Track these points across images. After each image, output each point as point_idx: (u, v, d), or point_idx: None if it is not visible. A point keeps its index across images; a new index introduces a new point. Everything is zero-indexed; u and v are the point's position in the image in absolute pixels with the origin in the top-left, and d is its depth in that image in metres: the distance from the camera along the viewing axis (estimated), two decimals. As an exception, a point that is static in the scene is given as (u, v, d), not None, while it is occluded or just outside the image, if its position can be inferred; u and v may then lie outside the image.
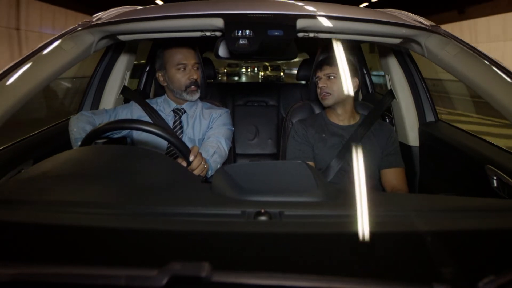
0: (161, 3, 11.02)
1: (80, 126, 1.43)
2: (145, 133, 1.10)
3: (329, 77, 1.57)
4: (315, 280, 0.44)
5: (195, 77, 1.55)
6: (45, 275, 0.43)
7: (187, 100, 1.60)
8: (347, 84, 1.58)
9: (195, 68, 1.57)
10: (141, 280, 0.42)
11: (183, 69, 1.55)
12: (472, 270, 0.50)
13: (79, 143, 1.33)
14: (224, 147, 1.48)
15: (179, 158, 1.20)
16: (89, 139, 1.11)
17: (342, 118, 1.63)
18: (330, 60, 1.60)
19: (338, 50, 1.72)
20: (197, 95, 1.58)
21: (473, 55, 1.09)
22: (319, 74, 1.60)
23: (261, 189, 0.71)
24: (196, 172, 1.16)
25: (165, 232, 0.60)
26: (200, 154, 1.19)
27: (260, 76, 19.96)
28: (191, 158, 1.13)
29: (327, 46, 1.81)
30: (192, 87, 1.55)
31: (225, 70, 21.29)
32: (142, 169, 0.83)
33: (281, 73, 18.40)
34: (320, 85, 1.58)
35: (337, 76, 1.57)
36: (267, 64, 18.87)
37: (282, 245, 0.56)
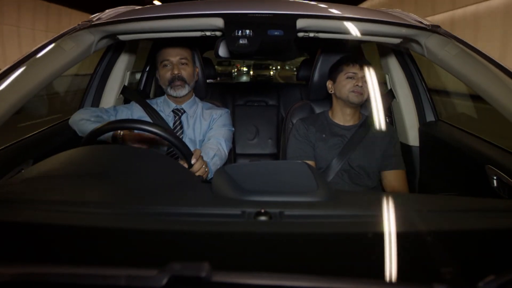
0: (158, 3, 11.02)
1: (88, 112, 1.48)
2: (145, 134, 1.10)
3: (363, 79, 1.54)
4: (315, 280, 0.44)
5: (176, 72, 1.53)
6: (45, 275, 0.43)
7: (173, 96, 1.58)
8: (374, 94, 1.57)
9: (181, 64, 1.56)
10: (141, 280, 0.42)
11: (167, 65, 1.55)
12: (472, 270, 0.50)
13: (91, 125, 1.40)
14: (224, 149, 1.48)
15: (180, 160, 1.20)
16: (90, 139, 1.11)
17: (348, 118, 1.62)
18: (366, 64, 1.56)
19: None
20: (183, 90, 1.56)
21: (473, 55, 1.09)
22: (358, 71, 1.55)
23: (261, 189, 0.71)
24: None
25: (165, 232, 0.60)
26: (202, 157, 1.19)
27: (250, 74, 19.35)
28: (193, 161, 1.13)
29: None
30: (175, 82, 1.54)
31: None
32: (142, 169, 0.83)
33: (271, 73, 18.13)
34: (360, 84, 1.53)
35: (366, 82, 1.55)
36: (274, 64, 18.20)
37: (282, 245, 0.56)
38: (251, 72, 18.47)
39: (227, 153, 1.50)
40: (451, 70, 1.12)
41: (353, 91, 1.53)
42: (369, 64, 1.58)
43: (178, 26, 1.17)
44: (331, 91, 1.63)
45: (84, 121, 1.45)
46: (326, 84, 1.66)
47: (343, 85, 1.56)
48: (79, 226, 0.60)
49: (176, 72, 1.54)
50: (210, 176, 1.30)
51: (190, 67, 1.58)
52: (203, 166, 1.18)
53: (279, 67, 23.20)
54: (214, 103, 1.74)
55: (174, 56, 1.54)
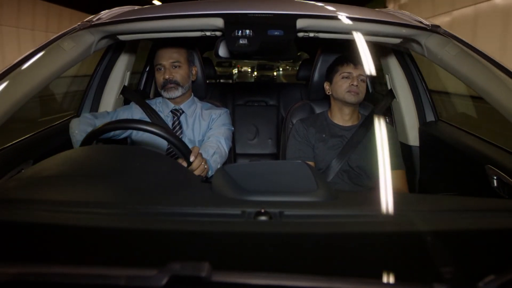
0: (158, 3, 10.97)
1: (81, 128, 1.44)
2: (145, 133, 1.10)
3: (360, 78, 1.54)
4: (315, 280, 0.44)
5: (167, 76, 1.55)
6: (45, 275, 0.43)
7: (166, 98, 1.60)
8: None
9: (173, 67, 1.57)
10: (141, 280, 0.42)
11: (160, 69, 1.58)
12: (472, 270, 0.50)
13: (75, 139, 1.38)
14: (224, 147, 1.48)
15: (179, 158, 1.20)
16: (89, 139, 1.11)
17: (347, 118, 1.62)
18: (361, 62, 1.54)
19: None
20: (176, 92, 1.57)
21: (473, 55, 1.09)
22: (352, 71, 1.54)
23: (261, 189, 0.71)
24: (196, 173, 1.16)
25: (165, 232, 0.60)
26: (201, 154, 1.19)
27: (254, 75, 19.06)
28: (191, 159, 1.13)
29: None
30: (168, 85, 1.56)
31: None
32: (142, 169, 0.83)
33: (274, 73, 18.03)
34: (355, 83, 1.53)
35: (365, 80, 1.56)
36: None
37: (282, 245, 0.56)
38: (255, 73, 18.26)
39: (227, 151, 1.50)
40: (451, 70, 1.12)
41: (349, 91, 1.54)
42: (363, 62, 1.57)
43: (178, 26, 1.17)
44: (328, 93, 1.64)
45: (75, 133, 1.43)
46: (324, 85, 1.67)
47: (339, 86, 1.57)
48: (79, 226, 0.60)
49: (167, 76, 1.55)
50: (210, 173, 1.30)
51: (183, 70, 1.59)
52: (203, 164, 1.18)
53: (289, 67, 22.94)
54: (214, 103, 1.74)
55: (166, 59, 1.56)
